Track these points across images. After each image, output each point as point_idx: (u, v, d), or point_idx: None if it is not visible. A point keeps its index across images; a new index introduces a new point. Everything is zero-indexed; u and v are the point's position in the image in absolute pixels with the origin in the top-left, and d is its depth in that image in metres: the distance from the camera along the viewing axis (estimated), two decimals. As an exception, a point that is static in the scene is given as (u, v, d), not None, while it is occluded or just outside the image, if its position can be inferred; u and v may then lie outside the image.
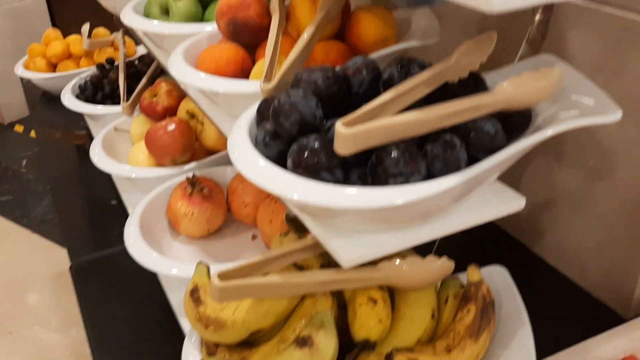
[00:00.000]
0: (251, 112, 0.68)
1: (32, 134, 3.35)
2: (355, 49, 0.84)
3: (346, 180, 0.55)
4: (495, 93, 0.55)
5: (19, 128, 3.43)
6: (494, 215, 0.61)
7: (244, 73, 0.86)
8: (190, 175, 1.00)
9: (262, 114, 0.64)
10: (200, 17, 1.05)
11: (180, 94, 1.20)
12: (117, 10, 1.40)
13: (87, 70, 1.64)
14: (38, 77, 1.71)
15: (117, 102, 1.41)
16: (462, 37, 0.62)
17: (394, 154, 0.51)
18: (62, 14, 3.42)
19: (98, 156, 1.17)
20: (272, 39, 0.75)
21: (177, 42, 1.01)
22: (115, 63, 1.59)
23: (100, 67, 1.57)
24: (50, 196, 2.73)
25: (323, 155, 0.53)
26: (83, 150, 1.47)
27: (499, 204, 0.61)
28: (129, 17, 1.06)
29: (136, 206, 1.00)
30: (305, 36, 0.75)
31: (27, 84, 1.83)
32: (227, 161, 1.14)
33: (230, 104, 0.82)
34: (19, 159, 3.05)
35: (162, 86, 1.21)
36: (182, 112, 1.18)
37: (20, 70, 1.77)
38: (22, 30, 3.29)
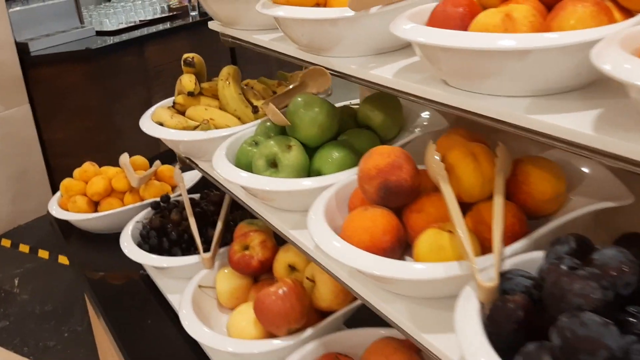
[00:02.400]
0: (472, 316, 0.57)
1: (21, 248, 3.18)
2: (525, 206, 0.75)
3: None
4: None
5: (5, 242, 3.25)
6: None
7: (400, 242, 0.76)
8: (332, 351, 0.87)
9: (499, 324, 0.54)
10: (307, 167, 0.96)
11: (274, 244, 1.09)
12: (180, 150, 1.31)
13: (135, 208, 1.51)
14: (79, 218, 1.58)
15: (186, 249, 1.29)
16: None
17: None
18: (47, 122, 3.38)
19: (190, 322, 1.03)
20: (459, 220, 0.65)
21: (286, 197, 0.92)
22: (172, 199, 1.46)
23: (155, 206, 1.45)
24: (53, 322, 2.54)
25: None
26: (135, 293, 1.34)
27: None
28: (228, 171, 0.95)
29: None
30: (498, 208, 0.66)
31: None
32: (341, 324, 1.02)
33: (397, 285, 0.72)
34: (10, 278, 2.86)
35: (254, 237, 1.09)
36: (280, 265, 1.06)
37: (56, 211, 1.63)
38: (7, 139, 3.23)
